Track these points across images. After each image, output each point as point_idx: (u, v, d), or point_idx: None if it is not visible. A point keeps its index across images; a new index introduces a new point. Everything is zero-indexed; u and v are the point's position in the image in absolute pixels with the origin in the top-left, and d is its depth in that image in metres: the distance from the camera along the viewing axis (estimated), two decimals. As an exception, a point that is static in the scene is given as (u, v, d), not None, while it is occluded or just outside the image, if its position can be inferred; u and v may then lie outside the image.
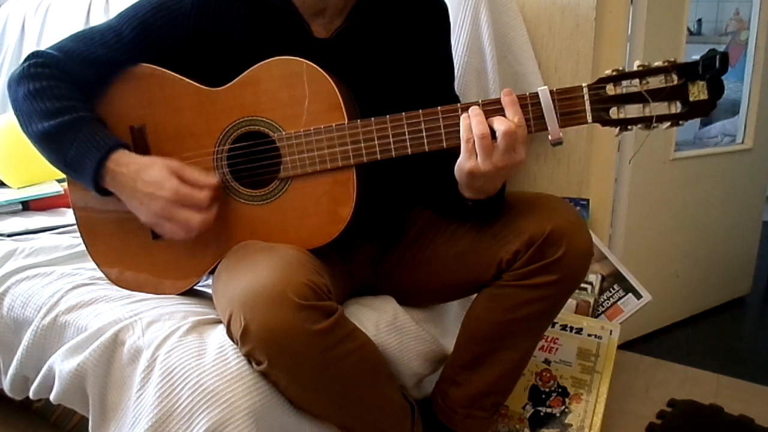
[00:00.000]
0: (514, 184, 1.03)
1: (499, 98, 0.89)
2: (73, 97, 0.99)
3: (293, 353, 0.83)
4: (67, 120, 0.96)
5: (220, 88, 1.00)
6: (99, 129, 0.98)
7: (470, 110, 0.89)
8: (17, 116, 1.01)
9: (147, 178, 0.94)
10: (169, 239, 0.98)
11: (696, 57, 0.86)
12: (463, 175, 0.91)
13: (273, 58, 0.97)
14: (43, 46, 1.09)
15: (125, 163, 0.95)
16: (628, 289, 1.50)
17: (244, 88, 0.99)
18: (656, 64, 0.87)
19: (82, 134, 0.96)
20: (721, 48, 2.37)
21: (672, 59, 0.87)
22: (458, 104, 0.93)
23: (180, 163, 0.96)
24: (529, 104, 0.90)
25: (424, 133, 0.93)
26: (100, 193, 0.98)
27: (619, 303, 1.50)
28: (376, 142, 0.95)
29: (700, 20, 2.95)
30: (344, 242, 1.02)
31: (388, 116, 0.94)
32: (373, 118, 0.95)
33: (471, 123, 0.88)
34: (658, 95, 0.87)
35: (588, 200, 1.57)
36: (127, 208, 1.02)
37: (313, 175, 0.98)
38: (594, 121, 0.89)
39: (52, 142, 0.97)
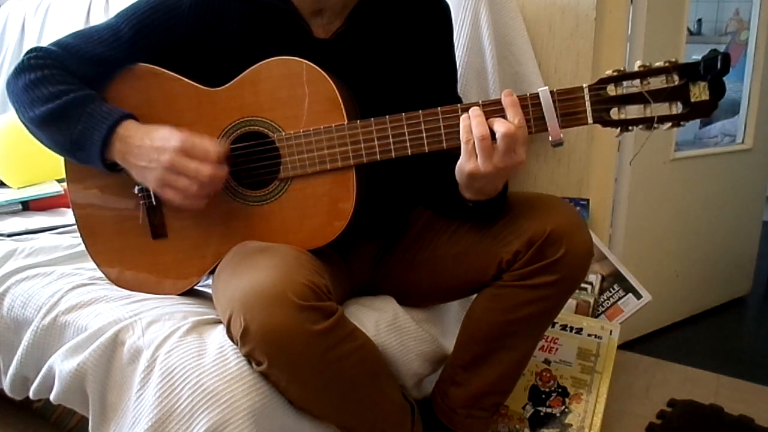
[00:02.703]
0: (514, 184, 1.03)
1: (500, 99, 0.89)
2: (74, 82, 1.00)
3: (293, 354, 0.83)
4: (72, 98, 0.96)
5: (219, 88, 1.00)
6: (105, 104, 0.98)
7: (470, 111, 0.89)
8: (17, 107, 1.01)
9: (155, 134, 0.94)
10: (179, 207, 0.96)
11: (697, 57, 0.86)
12: (463, 176, 0.91)
13: (273, 58, 0.97)
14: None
15: (135, 128, 0.96)
16: (628, 289, 1.50)
17: (243, 88, 0.98)
18: (657, 64, 0.87)
19: (90, 108, 0.96)
20: (722, 48, 2.37)
21: (673, 59, 0.86)
22: (458, 105, 0.92)
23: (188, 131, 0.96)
24: (530, 105, 0.89)
25: (424, 134, 0.93)
26: (105, 165, 0.97)
27: (619, 303, 1.50)
28: (376, 142, 0.95)
29: (700, 20, 2.95)
30: (344, 242, 1.01)
31: (387, 117, 0.94)
32: (372, 119, 0.94)
33: (471, 124, 0.88)
34: (659, 96, 0.87)
35: (588, 200, 1.57)
36: (127, 206, 1.01)
37: (313, 175, 0.97)
38: (595, 121, 0.89)
39: (59, 120, 0.97)
